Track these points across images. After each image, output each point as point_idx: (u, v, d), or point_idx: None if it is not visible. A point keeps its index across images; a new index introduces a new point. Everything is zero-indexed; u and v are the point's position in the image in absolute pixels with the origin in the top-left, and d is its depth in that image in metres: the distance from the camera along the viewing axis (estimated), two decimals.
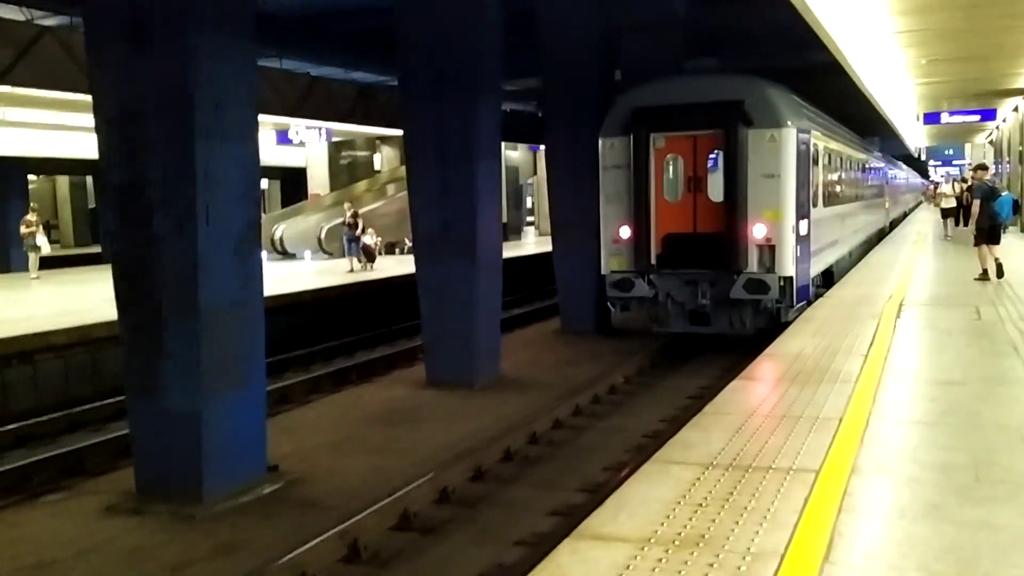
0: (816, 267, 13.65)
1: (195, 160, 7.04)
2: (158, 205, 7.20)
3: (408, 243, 21.36)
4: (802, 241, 12.35)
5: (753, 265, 11.94)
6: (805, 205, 12.60)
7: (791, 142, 11.93)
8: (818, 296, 13.39)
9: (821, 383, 6.68)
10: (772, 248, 11.86)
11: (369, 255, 20.33)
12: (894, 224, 33.66)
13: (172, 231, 7.18)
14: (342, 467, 8.53)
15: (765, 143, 11.84)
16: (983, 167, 16.57)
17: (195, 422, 7.24)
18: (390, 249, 24.29)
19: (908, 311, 10.50)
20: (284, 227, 24.48)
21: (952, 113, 25.49)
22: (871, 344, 8.27)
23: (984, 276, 13.49)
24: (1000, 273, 13.44)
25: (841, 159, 17.27)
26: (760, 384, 6.77)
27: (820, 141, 14.08)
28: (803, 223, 12.39)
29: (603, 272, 12.93)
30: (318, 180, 28.70)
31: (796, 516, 3.88)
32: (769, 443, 5.08)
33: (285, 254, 23.89)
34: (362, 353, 14.93)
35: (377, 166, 30.81)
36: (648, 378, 12.31)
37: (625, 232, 12.64)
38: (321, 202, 27.68)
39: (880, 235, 27.31)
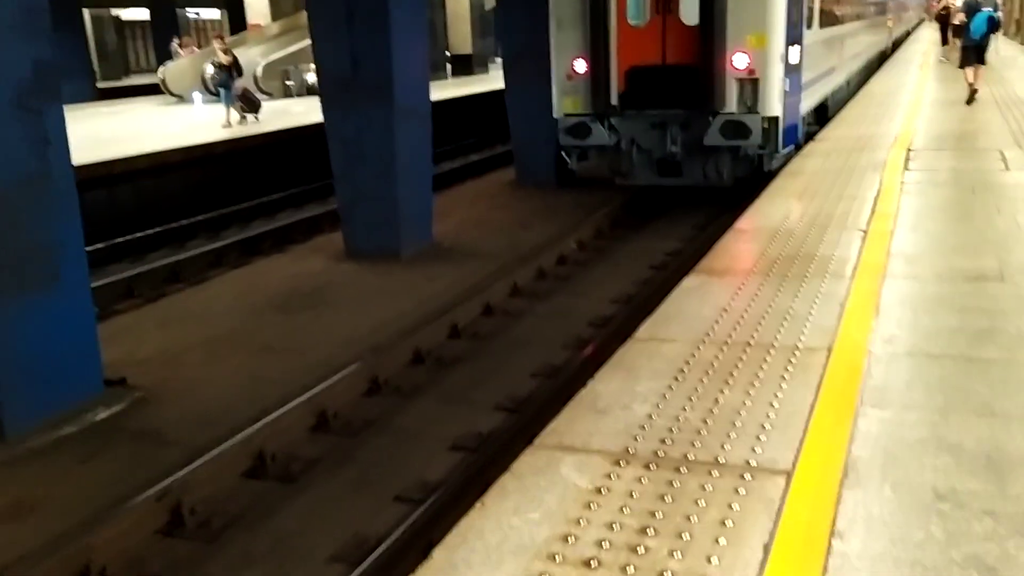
0: (808, 102, 11.57)
1: None
2: None
3: None
4: (792, 72, 10.23)
5: (732, 104, 9.87)
6: (797, 26, 10.38)
7: None
8: (809, 137, 11.43)
9: (805, 279, 4.91)
10: (755, 82, 9.74)
11: (250, 104, 16.80)
12: (896, 45, 30.93)
13: None
14: (213, 376, 6.86)
15: None
16: None
17: None
18: None
19: (917, 159, 8.62)
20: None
21: None
22: (872, 212, 6.45)
23: (971, 98, 13.11)
24: (970, 99, 13.02)
25: None
26: (722, 282, 4.99)
27: None
28: (794, 50, 10.22)
29: (555, 115, 10.84)
30: (257, 8, 25.61)
31: None
32: (722, 403, 3.37)
33: (219, 95, 21.31)
34: (286, 214, 13.06)
35: None
36: (606, 242, 10.54)
37: (580, 66, 10.46)
38: (263, 33, 24.80)
39: (882, 58, 24.83)
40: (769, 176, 9.17)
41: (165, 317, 8.37)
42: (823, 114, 13.39)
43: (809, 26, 11.23)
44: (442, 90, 23.10)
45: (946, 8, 26.70)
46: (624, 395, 3.48)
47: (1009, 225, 5.91)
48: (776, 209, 6.80)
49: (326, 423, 5.85)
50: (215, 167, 13.69)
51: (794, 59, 10.25)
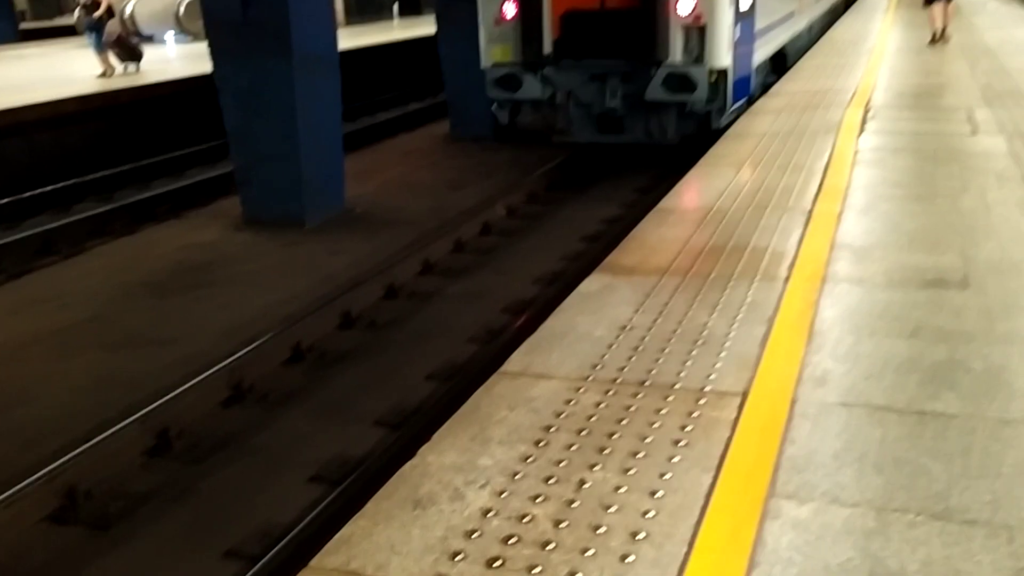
0: (762, 52, 10.59)
1: None
2: None
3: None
4: (743, 19, 9.22)
5: (676, 54, 8.86)
6: None
7: None
8: (765, 89, 10.48)
9: (730, 281, 4.02)
10: (702, 30, 8.73)
11: (129, 51, 14.66)
12: None
13: None
14: (56, 376, 5.86)
15: None
16: None
17: None
18: None
19: (876, 120, 7.71)
20: (137, 2, 20.12)
21: None
22: (819, 187, 5.56)
23: (934, 40, 13.03)
24: (943, 37, 13.02)
25: None
26: (629, 284, 4.06)
27: None
28: None
29: (483, 65, 9.77)
30: None
31: None
32: (588, 487, 2.48)
33: (141, 37, 19.76)
34: (193, 172, 11.89)
35: None
36: (540, 207, 9.57)
37: (509, 9, 9.37)
38: None
39: (848, 1, 23.79)
40: (718, 134, 8.24)
41: (22, 299, 7.33)
42: (781, 63, 12.43)
43: None
44: (386, 33, 21.74)
45: None
46: (461, 472, 2.58)
47: (976, 206, 5.05)
48: (712, 183, 5.87)
49: (168, 444, 4.91)
50: (119, 118, 12.43)
51: (745, 5, 9.24)
